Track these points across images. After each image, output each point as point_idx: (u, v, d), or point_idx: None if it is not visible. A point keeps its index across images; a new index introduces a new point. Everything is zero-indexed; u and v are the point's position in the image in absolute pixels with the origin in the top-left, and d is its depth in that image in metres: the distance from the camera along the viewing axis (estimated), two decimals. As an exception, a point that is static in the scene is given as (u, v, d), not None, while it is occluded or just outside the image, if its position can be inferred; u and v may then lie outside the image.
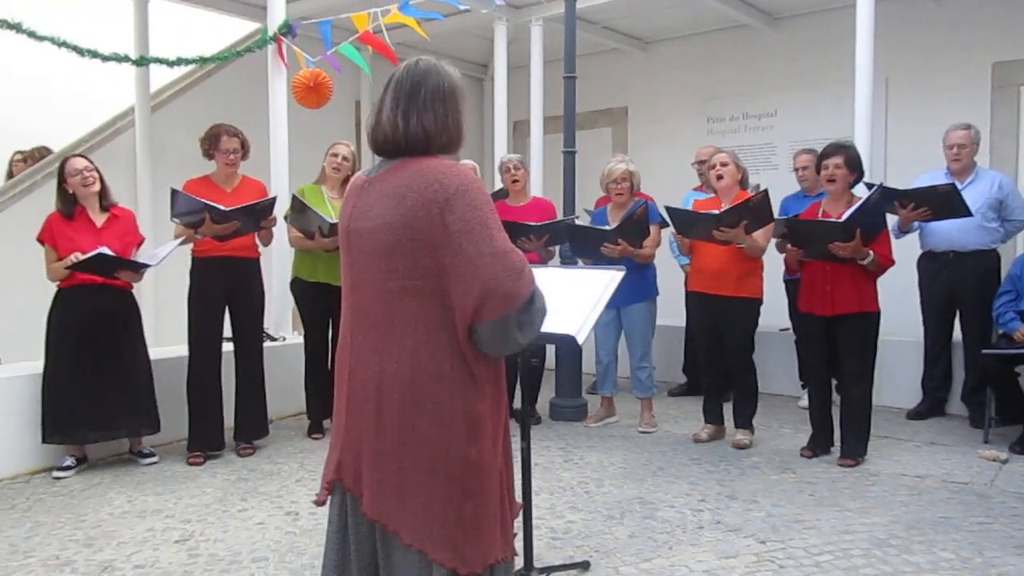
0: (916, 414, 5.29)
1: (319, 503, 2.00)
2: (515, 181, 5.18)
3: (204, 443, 4.44)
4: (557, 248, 5.17)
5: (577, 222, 5.06)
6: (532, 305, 1.81)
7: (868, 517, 3.47)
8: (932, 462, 4.31)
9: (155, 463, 4.36)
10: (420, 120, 1.83)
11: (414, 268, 1.76)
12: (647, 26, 7.43)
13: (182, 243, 4.32)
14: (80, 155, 4.32)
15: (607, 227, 4.80)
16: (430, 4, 5.24)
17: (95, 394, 4.14)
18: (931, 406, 5.30)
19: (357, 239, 1.85)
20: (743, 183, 4.62)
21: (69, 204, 4.19)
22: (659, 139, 7.65)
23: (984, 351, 4.64)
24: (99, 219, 4.24)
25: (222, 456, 4.49)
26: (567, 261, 5.23)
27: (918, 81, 6.34)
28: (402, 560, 1.84)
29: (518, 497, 2.24)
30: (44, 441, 4.14)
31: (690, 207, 4.78)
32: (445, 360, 1.79)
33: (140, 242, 4.39)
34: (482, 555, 1.83)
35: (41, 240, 4.17)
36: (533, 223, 4.80)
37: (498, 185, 6.81)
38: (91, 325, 4.14)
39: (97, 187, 4.21)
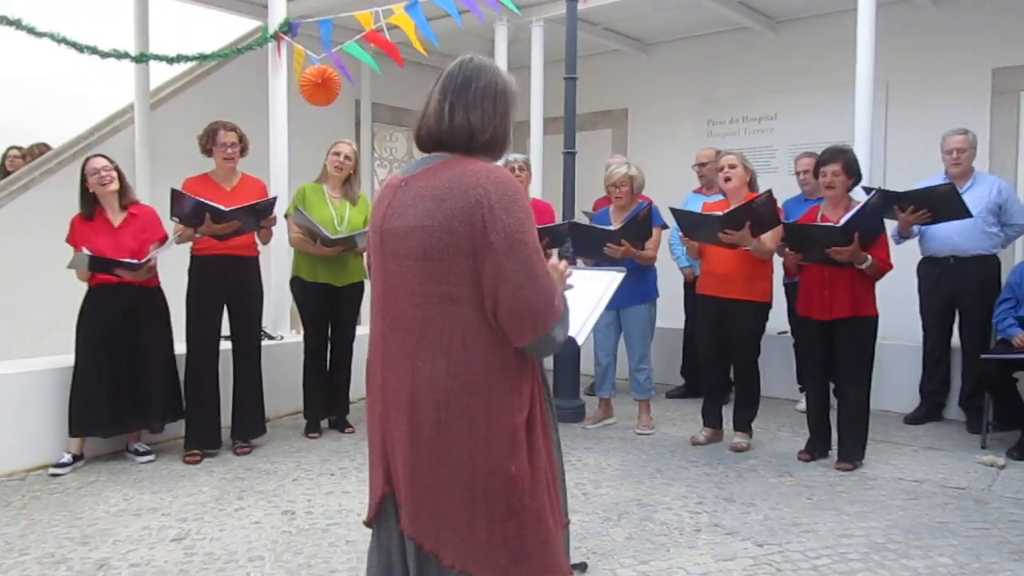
0: (914, 418, 5.29)
1: (369, 522, 1.90)
2: (519, 182, 5.16)
3: (201, 442, 4.43)
4: (555, 251, 5.16)
5: (580, 214, 5.05)
6: (563, 322, 1.77)
7: (866, 521, 3.46)
8: (930, 467, 4.31)
9: (151, 461, 4.34)
10: (467, 115, 1.77)
11: (452, 273, 1.69)
12: (648, 28, 7.43)
13: (180, 242, 4.33)
14: (100, 155, 4.36)
15: (611, 227, 4.79)
16: (430, 7, 5.22)
17: (120, 390, 4.21)
18: (929, 411, 5.30)
19: (392, 240, 1.76)
20: (752, 185, 4.60)
21: (89, 204, 4.27)
22: (659, 141, 7.65)
23: (983, 356, 4.65)
24: (117, 218, 4.28)
25: (219, 455, 4.48)
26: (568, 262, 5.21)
27: (918, 86, 6.34)
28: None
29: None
30: (72, 435, 4.22)
31: (690, 209, 4.77)
32: (481, 370, 1.71)
33: (162, 238, 4.38)
34: (528, 572, 1.74)
35: (69, 242, 4.24)
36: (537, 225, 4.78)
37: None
38: (113, 323, 4.21)
39: (115, 186, 4.25)
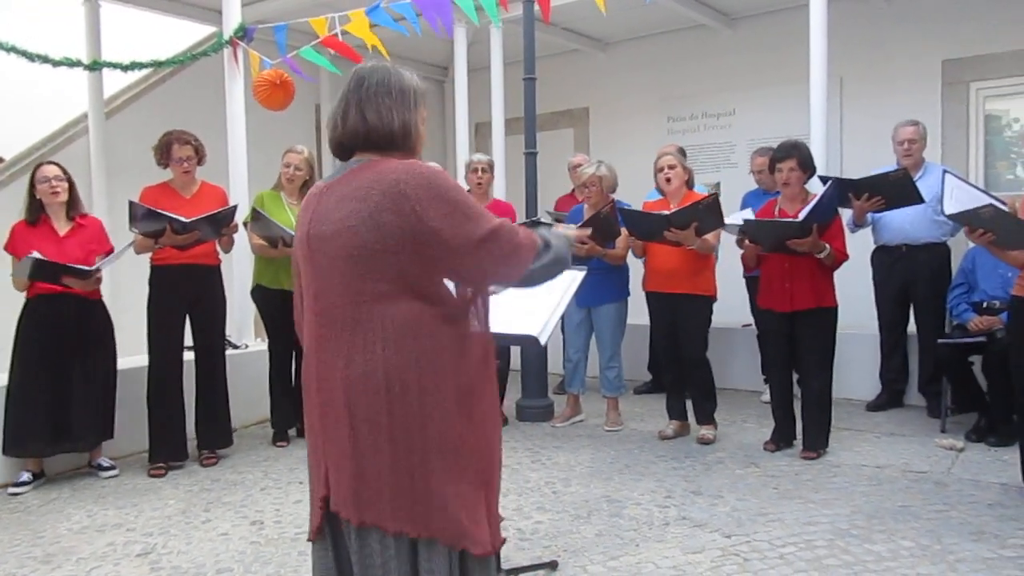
0: (875, 406, 5.39)
1: (314, 534, 1.90)
2: (479, 183, 5.16)
3: (166, 454, 4.36)
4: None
5: (544, 213, 5.07)
6: (547, 250, 1.86)
7: (830, 508, 3.53)
8: (892, 452, 4.40)
9: (115, 476, 4.27)
10: (362, 114, 1.82)
11: (382, 269, 1.73)
12: (606, 27, 7.47)
13: (139, 252, 4.25)
14: (53, 162, 4.24)
15: (572, 226, 4.81)
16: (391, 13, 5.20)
17: (57, 407, 4.07)
18: (890, 397, 5.41)
19: (321, 244, 1.79)
20: (690, 184, 4.72)
21: (35, 211, 4.15)
22: (620, 139, 7.70)
23: (940, 341, 4.75)
24: (63, 228, 4.18)
25: (184, 467, 4.42)
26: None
27: (871, 79, 6.47)
28: (391, 551, 1.79)
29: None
30: (4, 454, 4.07)
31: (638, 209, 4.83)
32: (414, 363, 1.75)
33: (108, 251, 4.30)
34: (487, 533, 1.83)
35: (7, 249, 4.11)
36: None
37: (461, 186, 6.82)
38: (55, 336, 4.08)
39: (64, 197, 4.16)
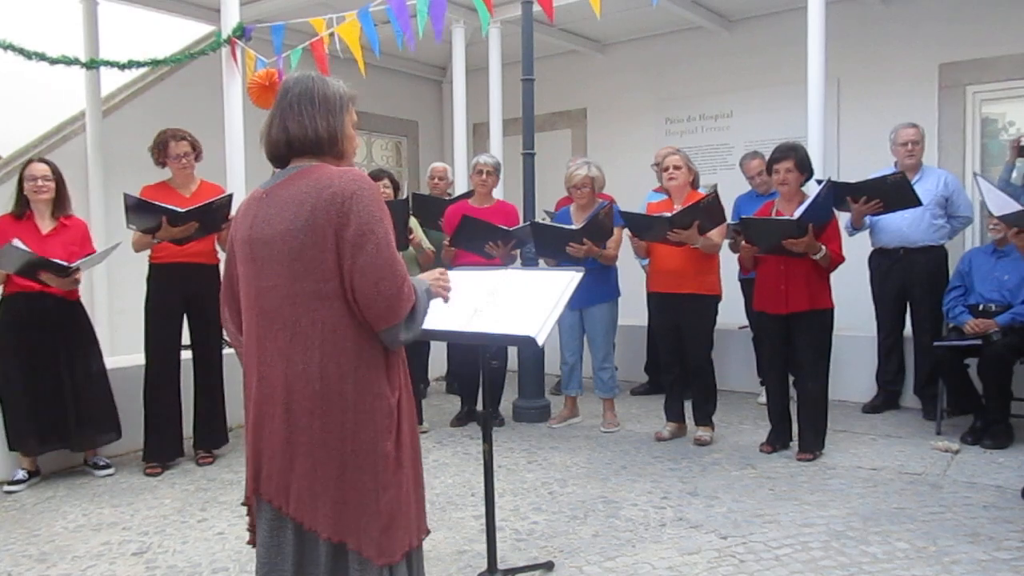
0: (871, 408, 5.40)
1: (252, 528, 2.00)
2: (482, 184, 5.16)
3: (162, 453, 4.36)
4: (518, 251, 5.18)
5: (542, 214, 5.07)
6: (414, 317, 1.90)
7: (826, 510, 3.53)
8: (887, 454, 4.41)
9: (111, 475, 4.26)
10: (284, 123, 1.91)
11: (319, 271, 1.82)
12: (604, 28, 7.49)
13: (138, 250, 4.24)
14: (45, 161, 4.22)
15: (572, 227, 4.82)
16: (381, 12, 5.19)
17: (43, 405, 4.06)
18: (886, 400, 5.42)
19: (261, 247, 1.88)
20: (695, 184, 4.72)
21: (22, 206, 4.15)
22: (618, 140, 7.71)
23: (936, 344, 4.76)
24: (46, 226, 4.15)
25: (180, 466, 4.42)
26: (528, 262, 5.24)
27: (868, 81, 6.49)
28: (322, 555, 1.87)
29: (481, 498, 2.25)
30: (10, 449, 4.10)
31: (640, 211, 4.84)
32: (353, 358, 1.85)
33: (89, 254, 4.29)
34: (400, 545, 1.91)
35: None
36: (505, 227, 4.79)
37: (459, 187, 6.83)
38: (33, 334, 4.07)
39: (48, 196, 4.14)
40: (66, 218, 4.24)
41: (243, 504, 2.01)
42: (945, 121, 6.22)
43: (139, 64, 5.81)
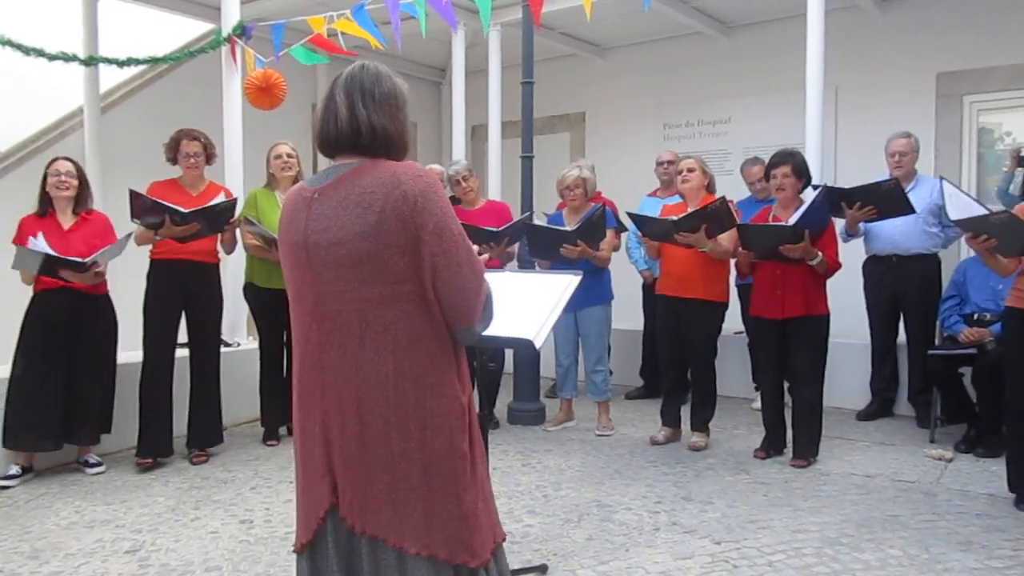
0: (865, 415, 5.42)
1: (303, 546, 1.87)
2: (466, 192, 5.18)
3: (154, 449, 4.35)
4: (515, 251, 5.18)
5: (535, 220, 5.07)
6: (488, 309, 1.86)
7: (820, 516, 3.54)
8: (881, 461, 4.42)
9: (102, 472, 4.25)
10: (379, 117, 1.81)
11: (390, 273, 1.73)
12: (604, 32, 7.50)
13: (140, 244, 4.25)
14: (68, 159, 4.25)
15: (567, 227, 4.83)
16: (381, 12, 5.20)
17: (54, 403, 4.07)
18: (880, 407, 5.44)
19: (322, 252, 1.77)
20: (710, 188, 4.70)
21: (44, 203, 4.19)
22: (616, 144, 7.72)
23: (930, 352, 4.78)
24: (67, 222, 4.18)
25: (174, 464, 4.41)
26: (524, 264, 5.24)
27: (866, 89, 6.51)
28: (411, 572, 1.78)
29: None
30: (5, 447, 4.08)
31: (647, 212, 4.85)
32: (427, 362, 1.77)
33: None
34: (487, 542, 1.85)
35: (15, 242, 4.11)
36: (496, 228, 4.79)
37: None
38: (53, 330, 4.09)
39: (70, 193, 4.17)
40: (87, 213, 4.27)
41: (320, 519, 1.83)
42: (942, 130, 6.24)
43: (138, 61, 5.81)
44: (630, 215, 4.63)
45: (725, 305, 4.70)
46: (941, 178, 4.05)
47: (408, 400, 1.76)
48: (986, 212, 3.43)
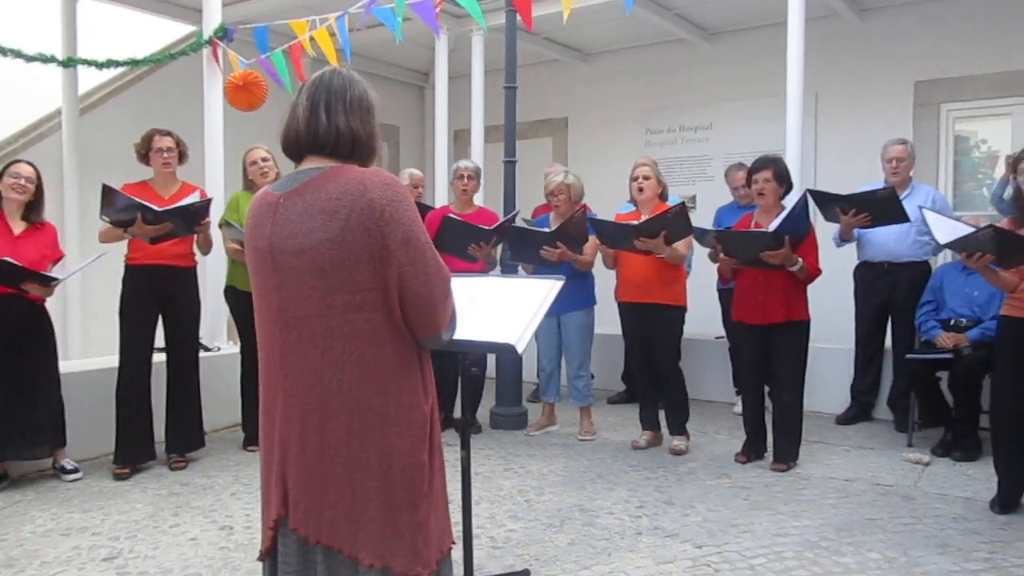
0: (845, 419, 5.46)
1: (265, 553, 1.86)
2: (464, 190, 5.18)
3: (132, 456, 4.30)
4: (497, 255, 5.18)
5: (519, 219, 5.07)
6: (453, 319, 1.86)
7: (800, 520, 3.56)
8: (860, 465, 4.46)
9: (79, 479, 4.20)
10: (348, 121, 1.79)
11: (355, 281, 1.70)
12: (588, 38, 7.53)
13: (103, 241, 4.18)
14: (30, 164, 4.16)
15: (546, 229, 4.84)
16: (366, 18, 5.19)
17: (9, 410, 3.99)
18: (859, 411, 5.49)
19: (287, 258, 1.74)
20: (663, 196, 4.78)
21: None
22: (598, 150, 7.75)
23: (908, 356, 4.83)
24: (17, 227, 4.09)
25: (153, 470, 4.36)
26: (507, 269, 5.24)
27: (846, 97, 6.58)
28: (341, 573, 1.77)
29: (458, 505, 2.23)
30: None
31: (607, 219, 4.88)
32: (389, 372, 1.75)
33: (59, 258, 4.25)
34: (435, 550, 1.84)
35: None
36: (486, 227, 4.79)
37: (439, 193, 6.82)
38: (2, 336, 3.99)
39: (26, 197, 4.08)
40: (40, 223, 4.19)
41: (270, 529, 1.84)
42: (919, 138, 6.32)
43: (117, 63, 5.76)
44: (590, 220, 4.65)
45: (684, 308, 4.75)
46: (920, 207, 4.11)
47: (370, 409, 1.73)
48: (972, 230, 3.48)
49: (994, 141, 6.34)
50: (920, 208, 3.99)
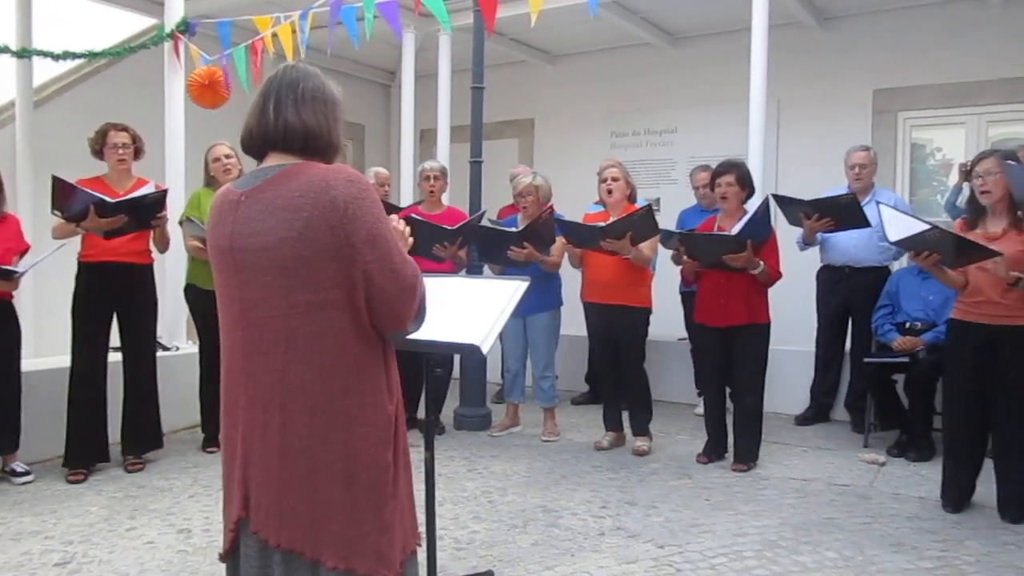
0: (803, 420, 5.56)
1: (226, 555, 1.83)
2: (431, 191, 5.16)
3: (86, 458, 4.20)
4: (465, 256, 5.17)
5: (485, 220, 5.07)
6: (421, 313, 1.83)
7: (759, 520, 3.61)
8: (818, 466, 4.53)
9: (30, 482, 4.08)
10: (299, 114, 1.75)
11: (317, 280, 1.68)
12: (555, 40, 7.55)
13: (55, 237, 4.08)
14: None
15: (513, 229, 4.84)
16: (325, 18, 5.14)
17: None
18: (817, 412, 5.59)
19: (248, 257, 1.72)
20: (631, 198, 4.80)
21: None
22: (564, 151, 7.77)
23: (865, 360, 4.93)
24: None
25: (108, 472, 4.27)
26: (473, 270, 5.23)
27: (807, 103, 6.68)
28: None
29: (421, 506, 2.21)
30: None
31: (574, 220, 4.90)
32: (354, 371, 1.72)
33: (24, 250, 4.13)
34: (400, 552, 1.81)
35: None
36: (449, 226, 4.78)
37: (405, 193, 6.78)
38: None
39: None
40: (2, 217, 4.08)
41: (231, 531, 1.80)
42: (877, 145, 6.42)
43: (75, 55, 5.63)
44: (557, 221, 4.67)
45: (649, 310, 4.79)
46: (878, 202, 4.20)
47: (334, 410, 1.71)
48: (927, 226, 3.56)
49: (948, 149, 6.50)
50: (878, 203, 4.07)
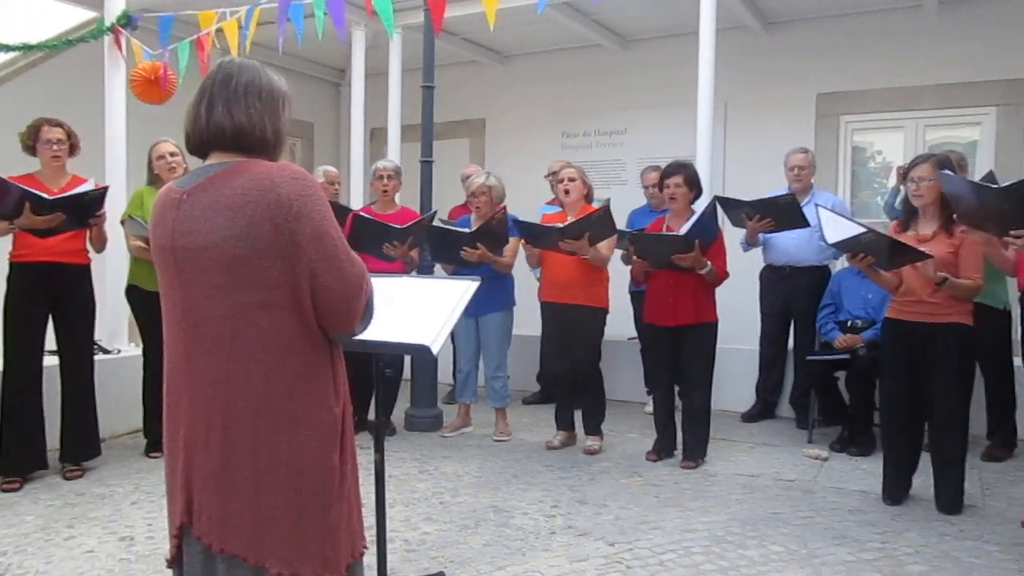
0: (749, 417, 5.67)
1: (171, 562, 1.78)
2: (384, 191, 5.12)
3: (22, 466, 4.06)
4: (417, 257, 5.14)
5: (436, 220, 5.05)
6: (369, 309, 1.80)
7: (708, 516, 3.67)
8: (764, 462, 4.63)
9: (-36, 490, 3.94)
10: (228, 110, 1.70)
11: (261, 280, 1.64)
12: (505, 40, 7.55)
13: None
14: None
15: (466, 229, 4.83)
16: (275, 12, 5.06)
17: None
18: (763, 409, 5.70)
19: (190, 256, 1.68)
20: (588, 198, 4.83)
21: None
22: (515, 152, 7.78)
23: (809, 358, 5.05)
24: None
25: (45, 480, 4.12)
26: (424, 270, 5.21)
27: (753, 106, 6.81)
28: None
29: (371, 509, 2.19)
30: None
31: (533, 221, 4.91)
32: (301, 372, 1.70)
33: None
34: (346, 555, 1.79)
35: None
36: (396, 225, 4.74)
37: (355, 192, 6.71)
38: None
39: None
40: None
41: (175, 536, 1.76)
42: (821, 148, 6.60)
43: (8, 48, 5.42)
44: (517, 222, 4.69)
45: (606, 310, 4.82)
46: (816, 205, 4.30)
47: (279, 412, 1.68)
48: (864, 229, 3.66)
49: (888, 152, 6.69)
50: (816, 206, 4.18)
